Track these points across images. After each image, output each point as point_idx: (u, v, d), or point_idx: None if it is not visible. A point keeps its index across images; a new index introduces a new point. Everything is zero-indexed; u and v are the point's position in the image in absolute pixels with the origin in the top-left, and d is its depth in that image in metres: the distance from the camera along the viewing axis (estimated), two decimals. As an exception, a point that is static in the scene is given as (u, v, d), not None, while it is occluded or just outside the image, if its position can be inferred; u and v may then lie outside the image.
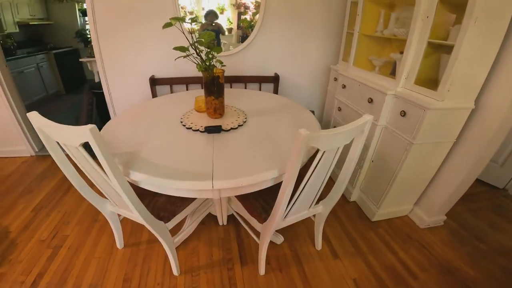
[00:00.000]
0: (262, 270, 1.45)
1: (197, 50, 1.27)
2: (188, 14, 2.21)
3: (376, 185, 1.86)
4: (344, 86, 2.12)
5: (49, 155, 1.07)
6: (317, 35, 2.41)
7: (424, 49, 1.43)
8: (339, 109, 2.21)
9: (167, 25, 1.18)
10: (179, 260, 1.51)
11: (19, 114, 2.37)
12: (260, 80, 2.46)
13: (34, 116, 0.97)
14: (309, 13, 2.31)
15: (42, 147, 2.65)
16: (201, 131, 1.32)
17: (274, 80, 2.44)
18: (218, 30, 2.30)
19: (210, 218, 1.82)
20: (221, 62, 1.38)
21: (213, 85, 1.37)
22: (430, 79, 1.56)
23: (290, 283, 1.42)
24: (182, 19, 1.18)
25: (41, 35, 4.55)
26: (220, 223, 1.79)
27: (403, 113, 1.56)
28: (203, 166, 1.04)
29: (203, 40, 1.21)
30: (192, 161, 1.08)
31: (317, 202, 1.38)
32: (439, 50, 1.49)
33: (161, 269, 1.47)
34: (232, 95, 1.93)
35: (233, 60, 2.41)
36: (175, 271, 1.43)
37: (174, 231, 1.63)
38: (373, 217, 1.89)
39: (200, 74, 2.38)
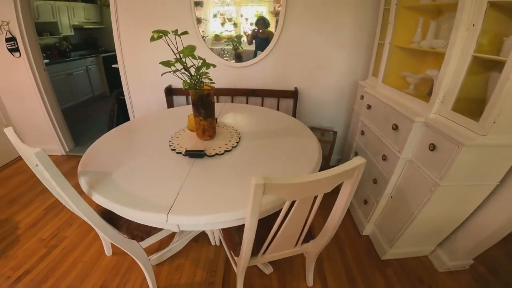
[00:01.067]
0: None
1: (184, 65, 1.16)
2: (227, 20, 2.14)
3: (393, 223, 1.57)
4: (369, 107, 1.84)
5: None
6: (344, 45, 2.14)
7: (468, 65, 1.12)
8: (362, 133, 1.92)
9: (152, 38, 1.11)
10: (161, 275, 1.48)
11: (53, 115, 2.57)
12: (278, 94, 2.29)
13: (9, 132, 0.99)
14: (336, 20, 2.06)
15: (73, 147, 2.86)
16: (183, 155, 1.22)
17: (294, 95, 2.24)
18: (267, 39, 2.18)
19: (205, 236, 1.73)
20: (210, 79, 1.25)
21: (202, 104, 1.24)
22: (472, 106, 1.22)
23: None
24: (165, 32, 1.09)
25: (95, 38, 4.97)
26: (213, 243, 1.70)
27: (432, 147, 1.25)
28: (167, 196, 0.93)
29: (182, 54, 1.10)
30: (159, 189, 0.98)
31: (307, 241, 1.20)
32: (487, 67, 1.16)
33: (139, 282, 1.44)
34: (236, 111, 1.80)
35: (250, 71, 2.28)
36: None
37: (164, 245, 1.62)
38: (383, 255, 1.62)
39: (216, 85, 2.33)
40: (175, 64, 1.13)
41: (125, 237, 1.16)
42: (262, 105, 2.35)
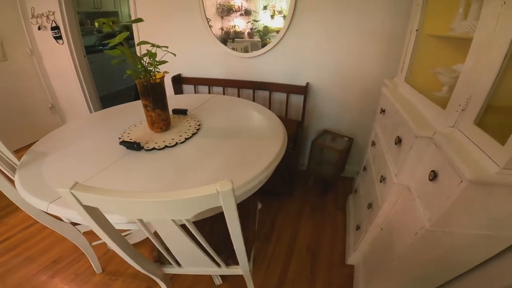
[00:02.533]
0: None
1: (128, 53, 1.07)
2: (277, 13, 1.92)
3: (377, 259, 1.20)
4: (382, 111, 1.46)
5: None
6: (372, 35, 1.74)
7: (504, 56, 0.74)
8: (373, 143, 1.54)
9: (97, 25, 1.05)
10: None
11: (89, 98, 2.86)
12: (288, 89, 2.03)
13: None
14: (361, 4, 1.68)
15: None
16: (119, 144, 1.14)
17: (304, 91, 1.94)
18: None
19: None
20: (158, 71, 1.13)
21: (148, 94, 1.14)
22: (507, 120, 0.82)
23: None
24: (108, 21, 1.01)
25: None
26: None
27: (433, 175, 0.88)
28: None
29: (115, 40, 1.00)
30: (71, 175, 0.96)
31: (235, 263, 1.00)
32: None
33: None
34: (219, 104, 1.64)
35: (258, 63, 2.08)
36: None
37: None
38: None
39: (223, 76, 2.21)
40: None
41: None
42: (269, 101, 2.12)
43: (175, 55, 1.22)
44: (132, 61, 1.09)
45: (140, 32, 2.29)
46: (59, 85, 2.80)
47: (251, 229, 1.13)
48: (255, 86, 2.10)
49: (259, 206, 1.87)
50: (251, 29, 1.98)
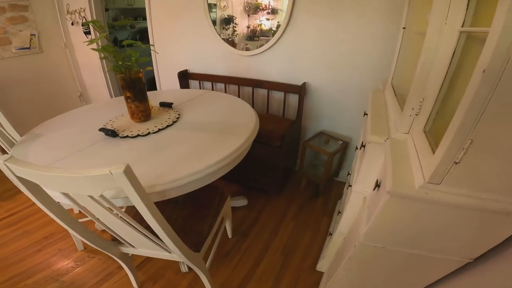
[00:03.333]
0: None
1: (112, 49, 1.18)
2: None
3: (335, 269, 1.16)
4: (365, 114, 1.40)
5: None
6: (370, 35, 1.66)
7: (452, 55, 0.73)
8: (356, 148, 1.48)
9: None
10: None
11: (112, 90, 3.12)
12: (285, 88, 2.01)
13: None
14: (359, 3, 1.61)
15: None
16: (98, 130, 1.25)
17: (299, 91, 1.92)
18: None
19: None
20: (137, 68, 1.23)
21: (128, 88, 1.24)
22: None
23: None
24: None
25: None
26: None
27: (377, 185, 0.84)
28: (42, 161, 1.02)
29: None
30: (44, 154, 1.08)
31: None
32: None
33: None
34: (207, 99, 1.69)
35: (257, 61, 2.09)
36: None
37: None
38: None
39: (225, 73, 2.26)
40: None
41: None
42: (268, 99, 2.13)
43: (157, 53, 1.30)
44: (117, 58, 1.21)
45: (154, 28, 2.44)
46: (87, 76, 3.09)
47: (208, 222, 1.17)
48: (254, 84, 2.12)
49: (245, 202, 1.90)
50: (277, 27, 1.95)
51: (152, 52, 2.55)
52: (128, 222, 0.85)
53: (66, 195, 0.76)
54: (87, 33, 2.79)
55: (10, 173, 0.67)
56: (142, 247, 1.06)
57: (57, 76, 2.95)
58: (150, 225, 0.80)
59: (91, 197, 0.73)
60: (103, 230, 1.34)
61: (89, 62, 2.96)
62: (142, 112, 1.32)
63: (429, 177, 0.63)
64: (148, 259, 1.49)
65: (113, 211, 0.79)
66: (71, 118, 1.47)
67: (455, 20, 0.71)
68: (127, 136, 1.21)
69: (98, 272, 1.42)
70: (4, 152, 1.23)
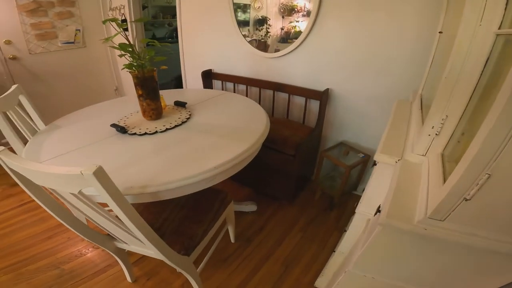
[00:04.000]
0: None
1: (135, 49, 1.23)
2: None
3: None
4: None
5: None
6: (405, 40, 1.51)
7: (487, 55, 0.61)
8: (374, 163, 1.36)
9: (104, 22, 1.23)
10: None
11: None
12: (306, 94, 1.93)
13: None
14: (392, 4, 1.47)
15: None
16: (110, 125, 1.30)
17: (321, 97, 1.82)
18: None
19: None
20: (151, 67, 1.26)
21: (140, 86, 1.27)
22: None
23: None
24: (114, 19, 1.18)
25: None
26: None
27: (379, 210, 0.76)
28: (48, 153, 1.08)
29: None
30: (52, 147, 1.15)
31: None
32: None
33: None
34: (222, 100, 1.68)
35: (279, 64, 2.03)
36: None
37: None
38: None
39: (248, 75, 2.23)
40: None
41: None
42: (288, 104, 2.06)
43: (165, 58, 1.30)
44: (132, 56, 1.24)
45: (182, 26, 2.50)
46: (125, 72, 3.27)
47: (204, 226, 1.15)
48: (275, 87, 2.06)
49: (254, 208, 1.86)
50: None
51: (180, 51, 2.62)
52: (111, 220, 0.86)
53: (53, 190, 0.78)
54: (125, 29, 2.94)
55: (3, 164, 0.71)
56: (133, 244, 1.07)
57: (97, 70, 3.16)
58: (127, 226, 0.79)
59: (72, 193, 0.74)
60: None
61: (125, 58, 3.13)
62: (153, 111, 1.34)
63: (432, 211, 0.53)
64: (145, 256, 1.52)
65: (96, 208, 0.80)
66: (92, 111, 1.55)
67: (491, 21, 0.60)
68: (135, 134, 1.24)
69: (98, 263, 1.49)
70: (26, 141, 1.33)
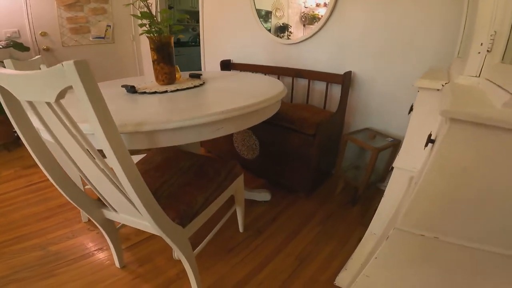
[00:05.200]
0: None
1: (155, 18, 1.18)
2: None
3: None
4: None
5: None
6: (436, 15, 1.29)
7: None
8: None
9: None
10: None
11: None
12: (326, 78, 1.73)
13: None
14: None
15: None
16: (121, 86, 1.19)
17: (342, 80, 1.60)
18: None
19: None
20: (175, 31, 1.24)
21: (156, 49, 1.20)
22: None
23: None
24: None
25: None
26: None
27: (430, 140, 0.52)
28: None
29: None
30: None
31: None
32: None
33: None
34: (239, 76, 1.52)
35: (299, 50, 1.87)
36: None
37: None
38: None
39: (266, 63, 2.08)
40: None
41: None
42: (308, 90, 1.86)
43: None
44: (151, 23, 1.20)
45: (204, 18, 2.45)
46: (147, 67, 3.27)
47: (205, 194, 0.94)
48: (294, 73, 1.88)
49: (267, 197, 1.62)
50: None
51: (201, 42, 2.56)
52: (95, 161, 0.68)
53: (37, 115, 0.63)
54: (152, 48, 2.96)
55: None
56: (123, 211, 0.88)
57: (122, 65, 3.18)
58: (110, 161, 0.60)
59: (50, 106, 0.58)
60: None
61: (149, 54, 3.13)
62: (166, 74, 1.25)
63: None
64: (141, 242, 1.32)
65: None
66: (112, 82, 1.45)
67: None
68: (144, 92, 1.12)
69: (89, 246, 1.30)
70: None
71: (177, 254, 0.88)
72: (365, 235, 0.82)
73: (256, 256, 1.25)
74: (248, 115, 0.87)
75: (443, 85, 0.56)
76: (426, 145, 0.50)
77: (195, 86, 1.22)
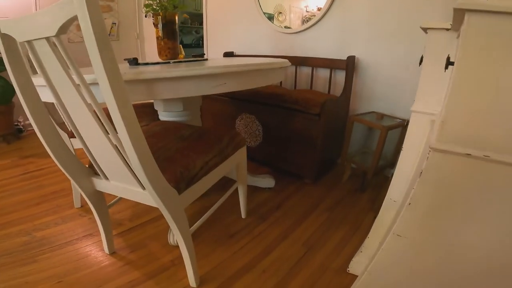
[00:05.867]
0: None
1: None
2: None
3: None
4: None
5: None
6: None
7: None
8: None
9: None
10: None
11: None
12: (329, 64, 1.64)
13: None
14: None
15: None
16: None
17: (346, 65, 1.52)
18: None
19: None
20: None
21: (160, 25, 1.21)
22: None
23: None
24: None
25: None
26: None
27: (449, 61, 0.40)
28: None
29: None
30: None
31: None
32: None
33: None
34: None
35: (302, 38, 1.81)
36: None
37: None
38: None
39: (269, 53, 2.02)
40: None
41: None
42: (312, 77, 1.77)
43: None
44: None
45: (208, 14, 2.40)
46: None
47: (205, 158, 0.83)
48: (298, 61, 1.80)
49: (271, 183, 1.50)
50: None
51: (204, 35, 2.51)
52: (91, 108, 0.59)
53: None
54: (156, 25, 2.92)
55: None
56: (115, 177, 0.77)
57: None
58: (106, 100, 0.52)
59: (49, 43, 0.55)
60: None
61: (154, 52, 3.09)
62: (169, 49, 1.23)
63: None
64: (134, 228, 1.20)
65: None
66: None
67: None
68: (147, 64, 1.08)
69: (78, 232, 1.17)
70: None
71: (172, 227, 0.76)
72: (383, 204, 0.70)
73: (259, 242, 1.12)
74: (252, 73, 0.78)
75: (451, 24, 0.46)
76: (446, 67, 0.40)
77: (197, 60, 1.15)
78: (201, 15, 4.32)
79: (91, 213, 1.28)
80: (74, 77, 0.57)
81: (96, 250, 1.07)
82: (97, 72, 0.50)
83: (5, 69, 0.71)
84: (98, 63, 0.49)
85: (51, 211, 1.32)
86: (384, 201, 0.81)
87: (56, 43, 0.53)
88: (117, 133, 0.58)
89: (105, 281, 0.91)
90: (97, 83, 0.62)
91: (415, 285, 0.43)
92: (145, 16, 2.99)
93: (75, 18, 0.48)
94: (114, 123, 0.55)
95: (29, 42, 0.58)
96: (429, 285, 0.41)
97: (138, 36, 3.11)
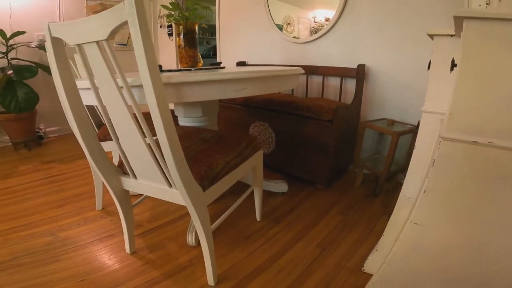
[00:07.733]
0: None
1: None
2: None
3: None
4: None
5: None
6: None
7: None
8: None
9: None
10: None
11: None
12: (341, 72, 1.70)
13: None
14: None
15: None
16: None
17: (357, 74, 1.58)
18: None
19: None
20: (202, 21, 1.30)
21: (182, 34, 1.28)
22: None
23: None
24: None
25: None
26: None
27: (454, 64, 0.46)
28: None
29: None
30: None
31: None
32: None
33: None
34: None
35: (312, 48, 1.88)
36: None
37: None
38: None
39: (280, 62, 2.10)
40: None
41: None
42: (322, 86, 1.83)
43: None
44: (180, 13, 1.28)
45: (220, 26, 2.52)
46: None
47: (227, 158, 0.88)
48: (309, 70, 1.86)
49: (285, 188, 1.54)
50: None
51: (217, 45, 2.62)
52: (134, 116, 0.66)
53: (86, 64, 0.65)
54: (170, 34, 3.07)
55: (47, 33, 0.67)
56: (144, 176, 0.83)
57: (140, 71, 3.28)
58: (148, 100, 0.58)
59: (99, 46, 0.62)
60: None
61: (167, 61, 3.24)
62: (190, 57, 1.30)
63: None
64: (154, 230, 1.25)
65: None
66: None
67: None
68: (170, 70, 1.17)
69: (100, 232, 1.23)
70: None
71: (195, 222, 0.81)
72: (397, 202, 0.74)
73: (274, 244, 1.16)
74: (269, 79, 0.84)
75: (455, 30, 0.52)
76: (452, 69, 0.46)
77: (216, 68, 1.24)
78: (213, 26, 4.49)
79: (112, 215, 1.36)
80: (118, 80, 0.64)
81: (116, 250, 1.12)
82: (142, 74, 0.56)
83: (48, 73, 0.79)
84: (144, 65, 0.55)
85: (74, 212, 1.39)
86: (398, 199, 0.85)
87: (106, 46, 0.60)
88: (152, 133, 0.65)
89: (125, 280, 0.95)
90: (136, 86, 0.70)
91: (434, 271, 0.46)
92: (160, 27, 3.15)
93: (125, 23, 0.54)
94: (153, 122, 0.61)
95: (79, 45, 0.65)
96: (449, 270, 0.44)
97: (154, 45, 3.26)
